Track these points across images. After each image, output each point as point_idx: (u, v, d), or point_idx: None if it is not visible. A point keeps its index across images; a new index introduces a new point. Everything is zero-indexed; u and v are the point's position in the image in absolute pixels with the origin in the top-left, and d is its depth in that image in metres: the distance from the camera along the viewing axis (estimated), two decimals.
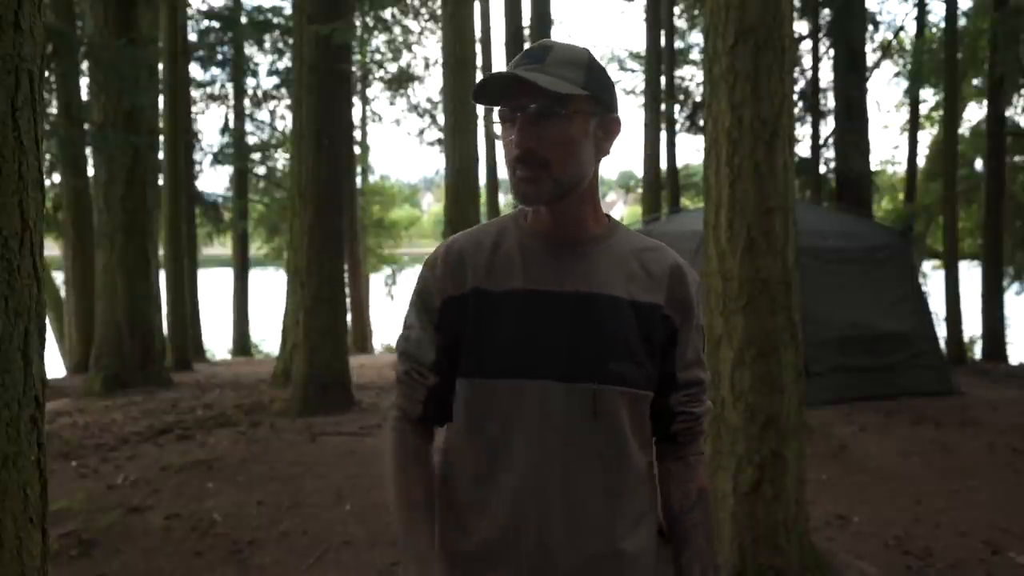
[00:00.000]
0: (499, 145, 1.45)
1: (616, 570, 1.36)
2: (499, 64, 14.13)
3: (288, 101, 17.46)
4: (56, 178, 11.82)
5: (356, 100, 19.75)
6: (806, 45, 12.68)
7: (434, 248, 1.48)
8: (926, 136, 19.69)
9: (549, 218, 1.38)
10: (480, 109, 8.31)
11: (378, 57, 19.54)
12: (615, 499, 1.36)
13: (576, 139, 1.32)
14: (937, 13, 24.41)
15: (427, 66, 20.00)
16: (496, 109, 1.34)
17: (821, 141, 12.75)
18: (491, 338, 1.36)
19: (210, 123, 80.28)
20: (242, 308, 18.01)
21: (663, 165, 13.96)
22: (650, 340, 1.37)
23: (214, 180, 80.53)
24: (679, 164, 14.64)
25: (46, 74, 7.82)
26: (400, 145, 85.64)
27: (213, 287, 20.52)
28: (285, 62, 17.34)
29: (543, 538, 1.33)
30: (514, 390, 1.34)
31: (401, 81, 19.75)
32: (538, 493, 1.33)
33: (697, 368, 1.43)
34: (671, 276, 1.40)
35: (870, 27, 13.72)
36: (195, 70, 16.67)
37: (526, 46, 14.53)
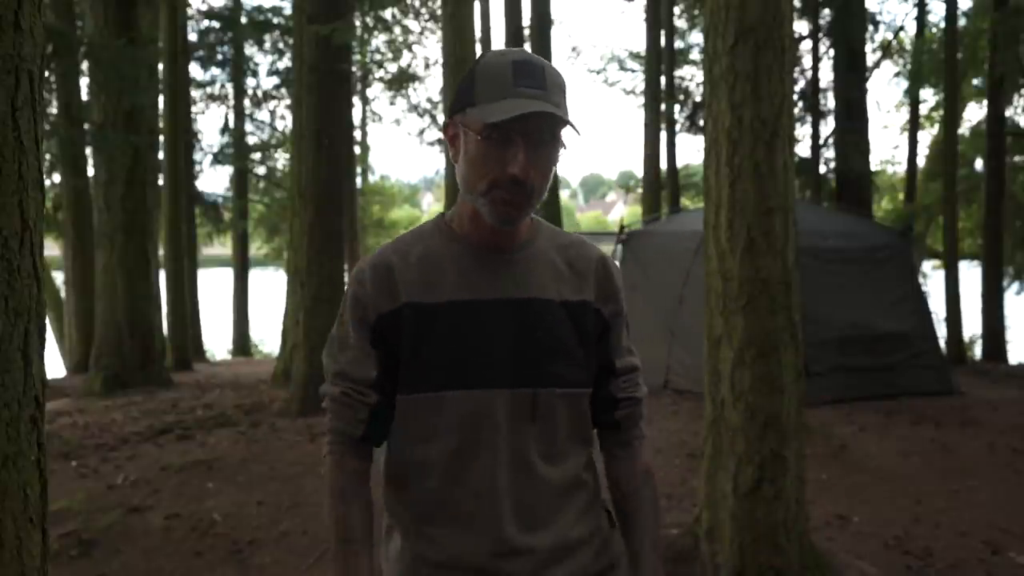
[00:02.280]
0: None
1: (568, 556, 1.40)
2: None
3: (288, 101, 17.46)
4: (56, 178, 11.82)
5: (356, 100, 19.75)
6: (806, 45, 12.68)
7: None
8: (926, 136, 19.71)
9: (490, 231, 1.37)
10: None
11: (378, 57, 19.55)
12: (562, 497, 1.39)
13: (554, 167, 1.36)
14: (937, 13, 24.42)
15: (427, 66, 20.02)
16: (477, 119, 1.30)
17: (821, 141, 12.75)
18: (432, 351, 1.36)
19: (210, 123, 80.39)
20: (242, 308, 18.01)
21: (663, 165, 13.96)
22: (585, 338, 1.41)
23: (214, 180, 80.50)
24: (679, 164, 14.65)
25: (46, 74, 7.82)
26: (400, 145, 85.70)
27: (213, 287, 20.52)
28: (285, 62, 17.33)
29: (503, 543, 1.35)
30: (461, 400, 1.35)
31: (401, 81, 19.77)
32: (492, 501, 1.35)
33: (629, 356, 1.48)
34: (597, 270, 1.44)
35: (870, 27, 13.72)
36: (195, 70, 16.67)
37: (526, 46, 14.51)
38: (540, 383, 1.36)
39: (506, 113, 1.26)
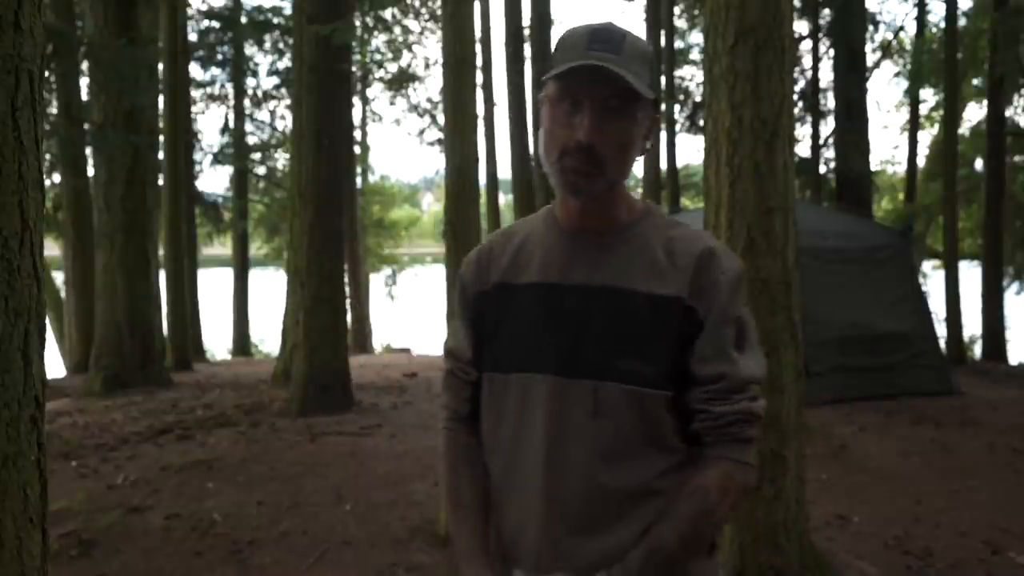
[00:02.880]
0: (533, 131, 1.42)
1: None
2: (499, 64, 14.13)
3: (288, 101, 17.48)
4: (56, 178, 11.83)
5: (356, 100, 19.75)
6: (806, 45, 12.69)
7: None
8: (926, 136, 19.72)
9: (578, 211, 1.34)
10: (480, 108, 8.30)
11: (378, 57, 19.55)
12: (623, 504, 1.29)
13: (634, 140, 1.29)
14: (937, 13, 24.45)
15: (427, 66, 20.05)
16: (551, 84, 1.29)
17: (821, 141, 12.75)
18: (505, 332, 1.37)
19: (210, 123, 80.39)
20: (242, 308, 18.01)
21: (663, 165, 13.97)
22: (668, 336, 1.28)
23: (214, 180, 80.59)
24: (679, 164, 14.66)
25: (46, 74, 7.81)
26: (400, 145, 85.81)
27: (213, 287, 20.51)
28: (285, 62, 17.35)
29: (547, 538, 1.31)
30: (523, 385, 1.33)
31: (401, 81, 19.77)
32: (543, 493, 1.31)
33: (719, 363, 1.28)
34: (697, 263, 1.29)
35: (870, 27, 13.74)
36: (195, 70, 16.69)
37: (526, 46, 14.49)
38: (602, 377, 1.28)
39: (567, 67, 1.25)
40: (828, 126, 12.90)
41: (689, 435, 1.31)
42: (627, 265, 1.31)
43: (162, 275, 10.15)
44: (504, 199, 17.93)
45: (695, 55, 16.20)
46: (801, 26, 12.40)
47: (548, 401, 1.31)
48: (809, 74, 12.70)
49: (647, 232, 1.33)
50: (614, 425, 1.28)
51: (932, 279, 15.49)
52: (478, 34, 11.38)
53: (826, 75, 12.90)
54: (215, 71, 17.71)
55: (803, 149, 12.66)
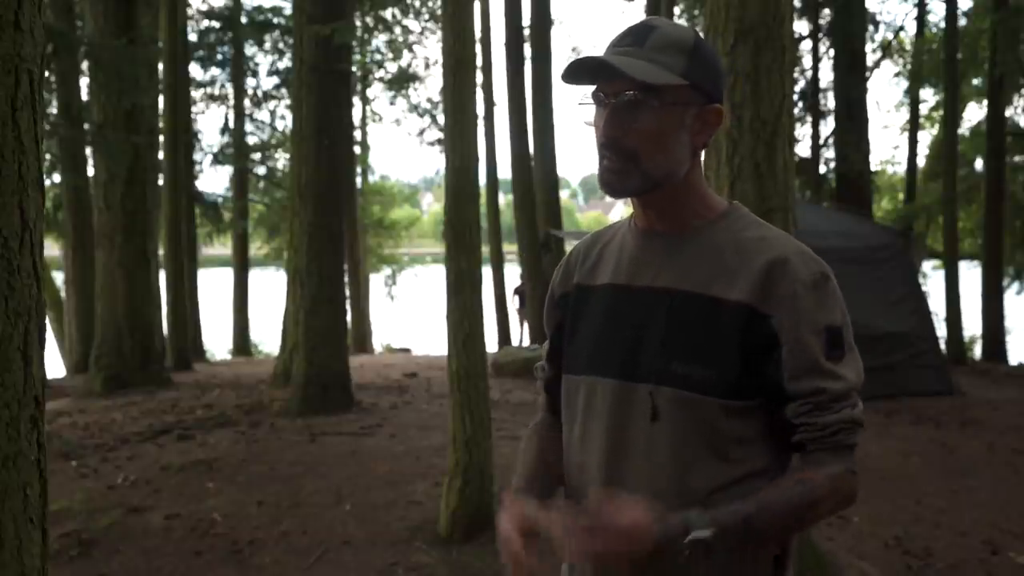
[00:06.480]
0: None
1: None
2: (499, 64, 14.14)
3: (288, 101, 17.47)
4: (56, 178, 11.83)
5: (356, 100, 19.75)
6: (806, 45, 12.70)
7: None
8: (926, 136, 19.72)
9: (645, 212, 1.31)
10: (480, 108, 8.30)
11: (378, 57, 19.56)
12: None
13: (667, 131, 1.23)
14: (937, 13, 24.41)
15: (427, 66, 20.05)
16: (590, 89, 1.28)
17: (821, 141, 12.76)
18: (575, 333, 1.38)
19: (210, 123, 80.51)
20: (242, 308, 17.99)
21: None
22: (728, 342, 1.22)
23: (214, 180, 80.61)
24: None
25: (46, 74, 7.81)
26: (400, 145, 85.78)
27: (213, 287, 20.51)
28: (285, 62, 17.35)
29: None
30: (588, 387, 1.33)
31: (401, 81, 19.76)
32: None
33: (815, 378, 1.20)
34: (767, 270, 1.22)
35: (870, 27, 13.74)
36: (195, 70, 16.68)
37: (526, 46, 14.47)
38: (659, 381, 1.24)
39: (567, 65, 1.24)
40: (828, 126, 12.91)
41: (791, 446, 1.25)
42: (691, 268, 1.26)
43: (162, 275, 10.15)
44: (504, 199, 17.93)
45: None
46: (801, 26, 12.41)
47: (610, 405, 1.29)
48: (809, 74, 12.71)
49: (720, 233, 1.28)
50: (671, 431, 1.24)
51: (932, 279, 15.49)
52: (478, 34, 11.39)
53: (826, 75, 12.92)
54: (215, 71, 17.74)
55: (803, 149, 12.68)
